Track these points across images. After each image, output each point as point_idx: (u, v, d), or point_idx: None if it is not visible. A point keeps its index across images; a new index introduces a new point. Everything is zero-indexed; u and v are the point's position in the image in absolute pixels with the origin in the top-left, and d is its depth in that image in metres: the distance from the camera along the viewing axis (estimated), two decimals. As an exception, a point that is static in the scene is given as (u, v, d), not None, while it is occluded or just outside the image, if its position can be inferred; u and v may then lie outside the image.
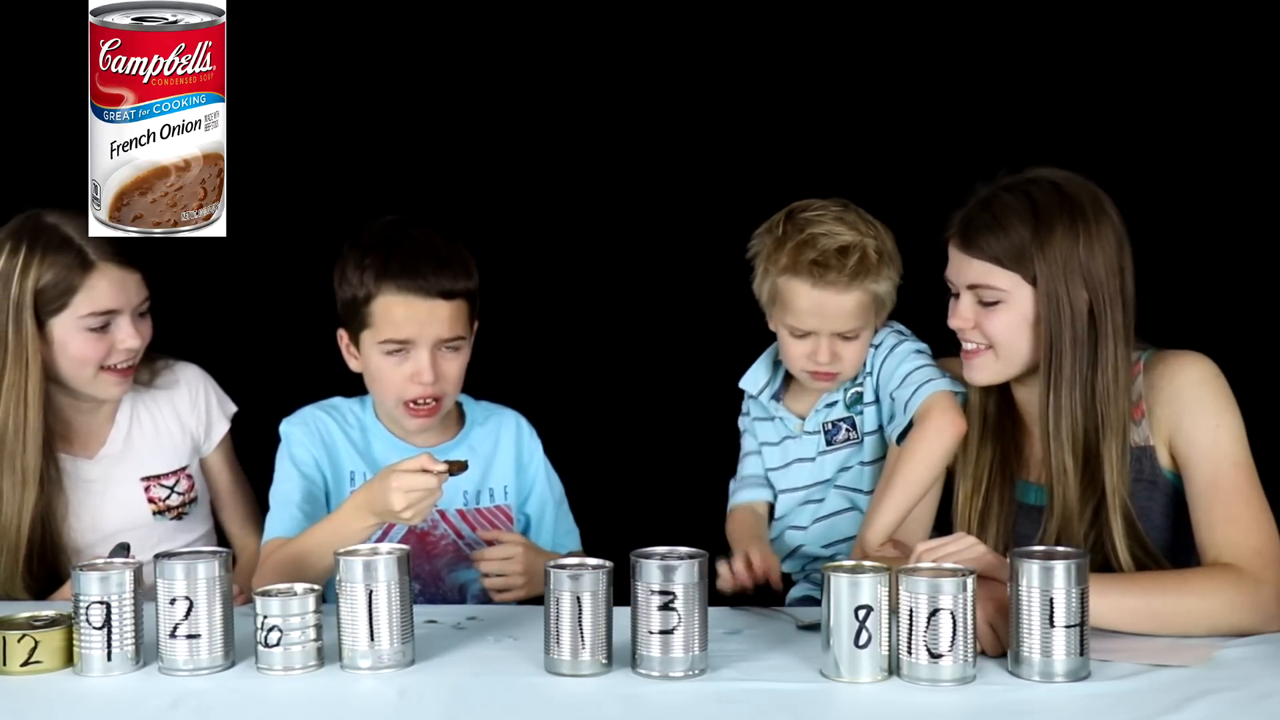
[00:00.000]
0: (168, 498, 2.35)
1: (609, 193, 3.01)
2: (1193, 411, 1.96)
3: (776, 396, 2.38)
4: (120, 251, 2.21)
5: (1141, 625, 1.80)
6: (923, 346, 2.24)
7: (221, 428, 2.45)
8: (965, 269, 2.00)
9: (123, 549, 2.08)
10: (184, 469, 2.38)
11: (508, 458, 2.37)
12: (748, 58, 2.97)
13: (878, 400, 2.28)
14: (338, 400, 2.34)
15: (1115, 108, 2.85)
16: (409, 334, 2.19)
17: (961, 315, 2.02)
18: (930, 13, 2.92)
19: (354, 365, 2.29)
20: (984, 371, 2.03)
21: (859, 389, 2.30)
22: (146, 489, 2.34)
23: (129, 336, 2.23)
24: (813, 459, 2.34)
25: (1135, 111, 2.85)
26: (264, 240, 2.74)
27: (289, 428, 2.28)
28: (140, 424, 2.37)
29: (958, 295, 2.03)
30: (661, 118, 2.98)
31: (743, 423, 2.47)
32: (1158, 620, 1.80)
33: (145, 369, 2.37)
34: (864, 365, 2.29)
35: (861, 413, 2.30)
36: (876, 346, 2.27)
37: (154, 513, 2.34)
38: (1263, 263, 2.88)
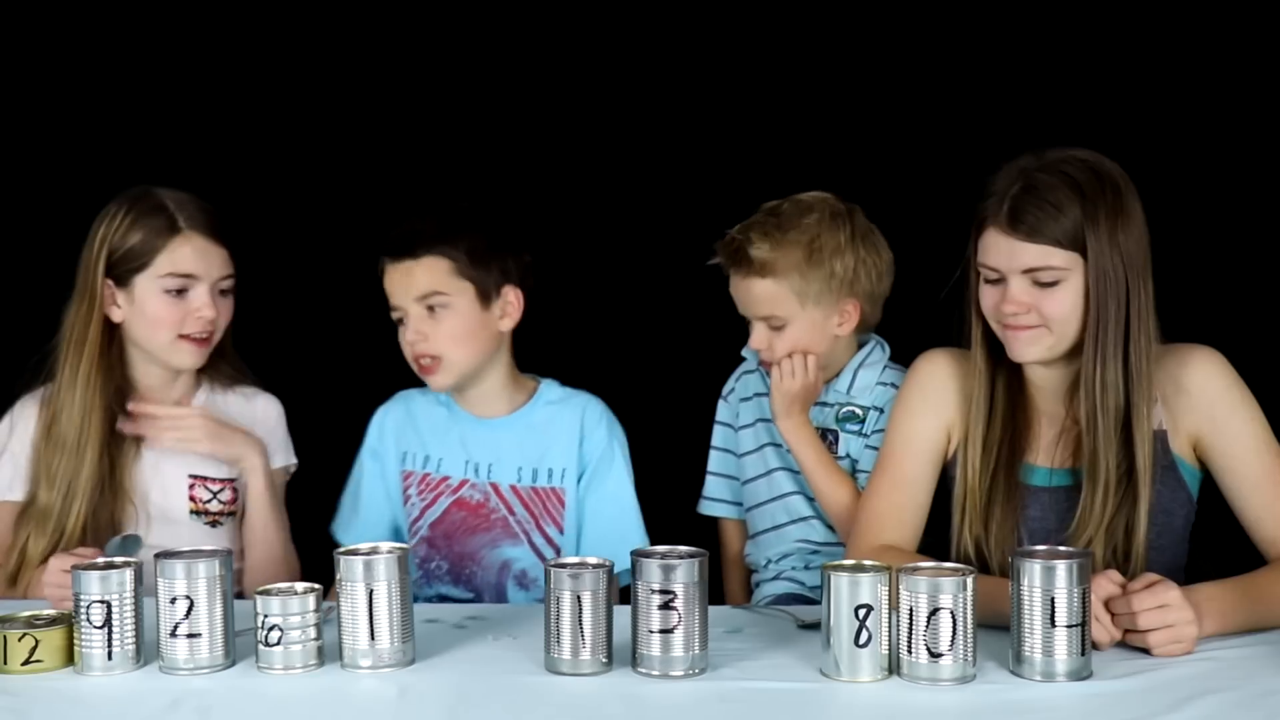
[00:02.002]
0: (209, 501, 2.35)
1: (613, 190, 3.01)
2: (1228, 407, 1.99)
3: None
4: (210, 224, 2.29)
5: (1248, 628, 1.82)
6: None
7: (276, 461, 2.41)
8: (1020, 254, 1.95)
9: (133, 540, 2.09)
10: (232, 481, 2.38)
11: (570, 439, 2.36)
12: (757, 47, 2.98)
13: (863, 434, 2.30)
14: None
15: (1107, 105, 2.85)
16: (396, 301, 2.30)
17: (1017, 300, 1.96)
18: (936, 10, 2.92)
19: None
20: (1036, 347, 1.99)
21: (854, 409, 2.32)
22: (191, 487, 2.35)
23: (205, 306, 2.28)
24: (785, 448, 2.37)
25: (1127, 109, 2.86)
26: (269, 241, 2.76)
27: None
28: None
29: (996, 281, 1.99)
30: (660, 114, 2.99)
31: (722, 410, 2.49)
32: (1266, 621, 1.84)
33: (229, 374, 2.41)
34: (866, 388, 2.32)
35: (847, 430, 2.32)
36: (866, 367, 2.35)
37: (191, 511, 2.34)
38: (1256, 259, 2.88)
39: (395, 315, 2.32)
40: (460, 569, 2.31)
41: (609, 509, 2.34)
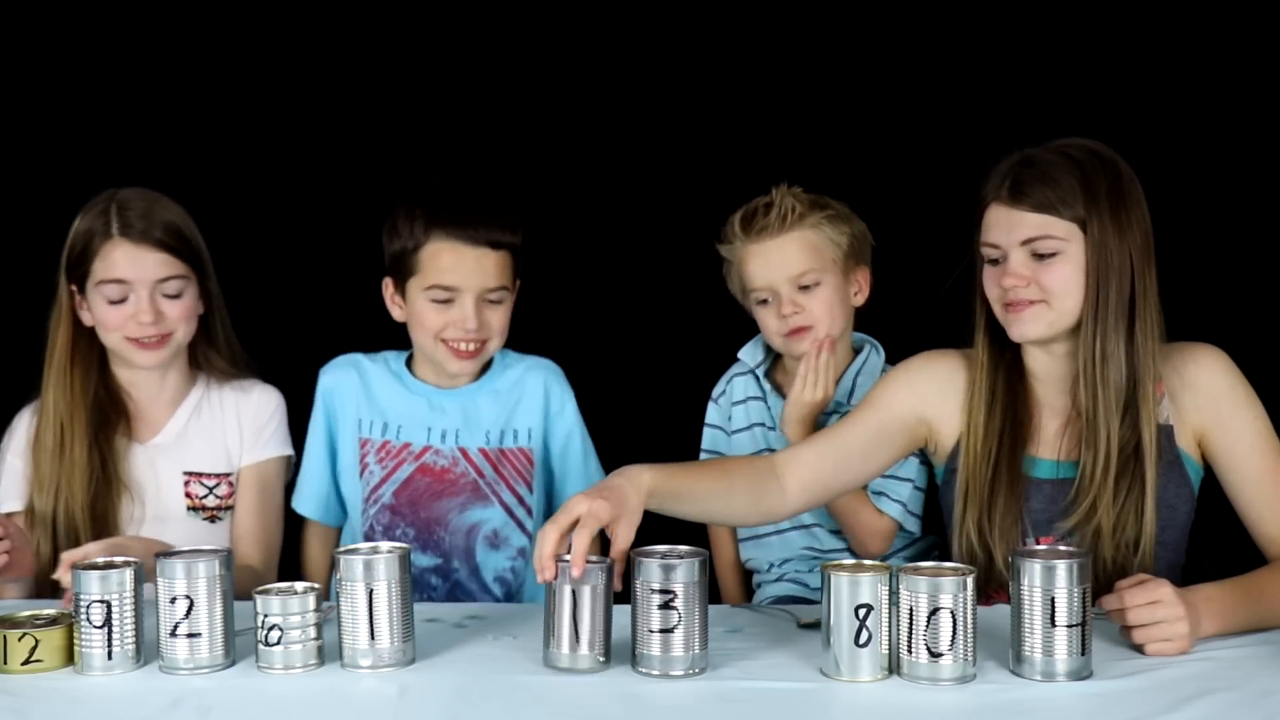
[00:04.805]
0: (205, 497, 2.36)
1: (604, 189, 3.01)
2: (1232, 405, 2.00)
3: (768, 374, 2.40)
4: (143, 229, 2.26)
5: (1248, 628, 1.82)
6: None
7: (267, 451, 2.40)
8: (1019, 225, 1.96)
9: None
10: (227, 475, 2.38)
11: (535, 401, 2.40)
12: (754, 45, 2.98)
13: None
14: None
15: (1108, 103, 2.85)
16: (455, 281, 2.26)
17: (1016, 273, 1.97)
18: (930, 7, 2.92)
19: (398, 315, 2.36)
20: (1037, 324, 1.98)
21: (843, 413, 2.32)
22: (186, 484, 2.36)
23: (142, 310, 2.26)
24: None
25: (1127, 107, 2.85)
26: (287, 217, 2.77)
27: None
28: (199, 420, 2.38)
29: (997, 261, 2.00)
30: (665, 105, 2.99)
31: (712, 413, 2.48)
32: (1267, 621, 1.84)
33: (224, 368, 2.39)
34: (848, 390, 2.32)
35: None
36: (865, 374, 2.33)
37: (188, 508, 2.35)
38: (1258, 257, 2.88)
39: (440, 295, 2.27)
40: (428, 535, 2.32)
41: (589, 461, 2.44)
